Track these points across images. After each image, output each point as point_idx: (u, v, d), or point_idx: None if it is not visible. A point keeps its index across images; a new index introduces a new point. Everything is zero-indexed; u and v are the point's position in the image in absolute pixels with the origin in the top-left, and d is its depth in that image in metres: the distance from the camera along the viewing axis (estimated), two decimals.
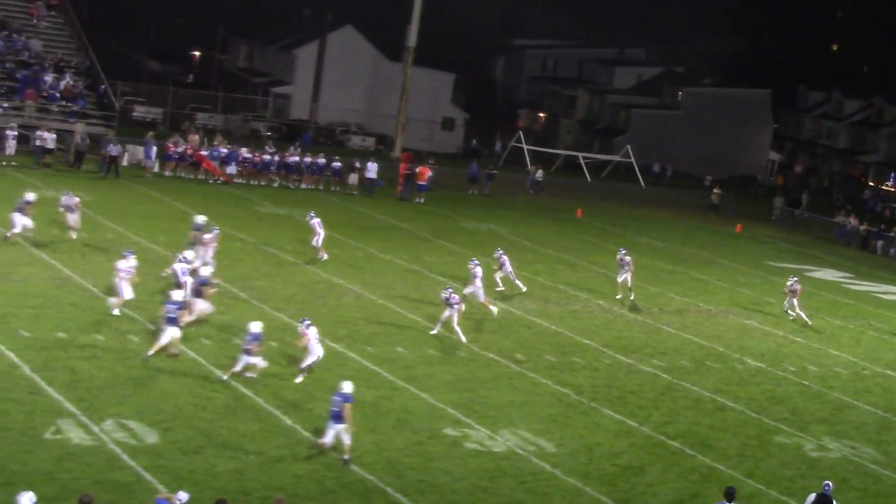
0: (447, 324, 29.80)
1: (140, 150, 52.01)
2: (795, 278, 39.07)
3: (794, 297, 38.07)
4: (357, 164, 55.50)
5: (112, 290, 28.51)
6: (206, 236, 32.19)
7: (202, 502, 17.78)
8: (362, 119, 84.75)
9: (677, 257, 49.07)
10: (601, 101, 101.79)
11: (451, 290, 30.31)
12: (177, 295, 25.70)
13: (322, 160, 54.49)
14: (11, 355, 23.92)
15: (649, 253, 48.97)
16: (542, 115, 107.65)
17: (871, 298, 45.73)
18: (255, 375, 24.07)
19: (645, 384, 28.66)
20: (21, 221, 33.63)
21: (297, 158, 54.09)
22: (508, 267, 36.09)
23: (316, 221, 37.34)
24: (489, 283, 35.02)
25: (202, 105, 78.50)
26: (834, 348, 35.66)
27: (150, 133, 54.57)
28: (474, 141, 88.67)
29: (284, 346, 26.71)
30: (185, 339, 26.38)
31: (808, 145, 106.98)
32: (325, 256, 37.23)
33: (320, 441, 21.00)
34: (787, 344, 35.30)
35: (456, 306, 29.58)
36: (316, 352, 24.82)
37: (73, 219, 35.51)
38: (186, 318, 26.52)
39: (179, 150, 51.78)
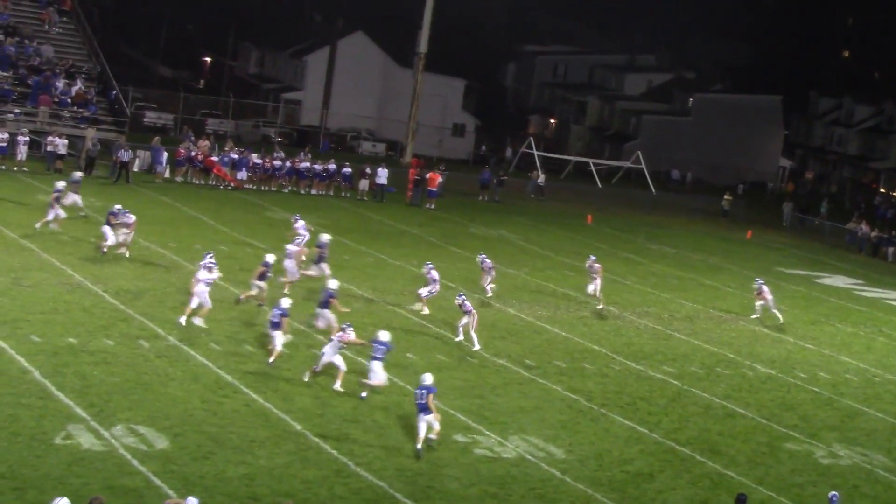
0: (466, 330, 29.85)
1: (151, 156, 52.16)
2: (762, 281, 39.06)
3: (761, 299, 37.99)
4: (368, 170, 55.56)
5: (195, 304, 27.83)
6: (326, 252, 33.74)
7: None
8: (373, 125, 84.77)
9: (687, 263, 48.98)
10: (612, 108, 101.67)
11: (463, 296, 30.35)
12: (285, 302, 26.39)
13: (332, 166, 54.54)
14: (22, 360, 23.97)
15: (660, 259, 48.93)
16: (552, 121, 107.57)
17: (882, 305, 45.61)
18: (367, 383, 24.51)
19: (655, 390, 28.62)
20: (111, 234, 33.73)
21: (307, 164, 54.15)
22: (493, 273, 35.80)
23: (300, 224, 36.89)
24: (475, 290, 35.15)
25: (213, 111, 78.59)
26: (845, 355, 35.56)
27: (156, 138, 54.67)
28: (483, 147, 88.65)
29: (290, 349, 26.75)
30: (193, 344, 26.45)
31: (819, 152, 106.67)
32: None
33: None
34: (798, 350, 35.22)
35: (470, 312, 29.62)
36: (340, 365, 25.10)
37: (123, 236, 34.42)
38: (319, 325, 28.27)
39: (191, 154, 51.83)
